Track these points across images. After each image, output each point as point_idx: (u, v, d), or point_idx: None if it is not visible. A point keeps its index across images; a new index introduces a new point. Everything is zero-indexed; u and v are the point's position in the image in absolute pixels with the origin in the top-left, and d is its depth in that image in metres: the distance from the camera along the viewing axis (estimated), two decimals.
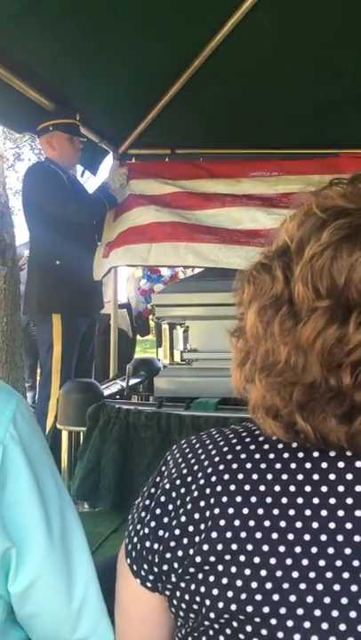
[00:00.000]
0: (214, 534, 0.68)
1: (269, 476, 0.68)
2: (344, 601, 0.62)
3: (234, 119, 3.65)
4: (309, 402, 0.65)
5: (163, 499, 0.73)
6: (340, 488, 0.66)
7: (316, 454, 0.68)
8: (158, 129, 3.80)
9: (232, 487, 0.69)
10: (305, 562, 0.64)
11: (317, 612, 0.63)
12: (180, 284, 3.57)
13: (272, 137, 3.72)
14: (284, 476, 0.68)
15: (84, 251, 3.52)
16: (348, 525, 0.65)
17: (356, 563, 0.63)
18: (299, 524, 0.65)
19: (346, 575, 0.63)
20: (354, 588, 0.63)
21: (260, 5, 3.15)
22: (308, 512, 0.66)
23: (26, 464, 0.83)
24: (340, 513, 0.65)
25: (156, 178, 3.62)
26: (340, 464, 0.67)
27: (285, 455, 0.69)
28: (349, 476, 0.66)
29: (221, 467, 0.71)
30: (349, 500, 0.65)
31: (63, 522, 0.87)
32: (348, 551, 0.64)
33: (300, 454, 0.68)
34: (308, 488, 0.67)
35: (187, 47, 3.35)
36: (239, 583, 0.65)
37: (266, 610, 0.64)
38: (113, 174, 3.62)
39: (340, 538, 0.64)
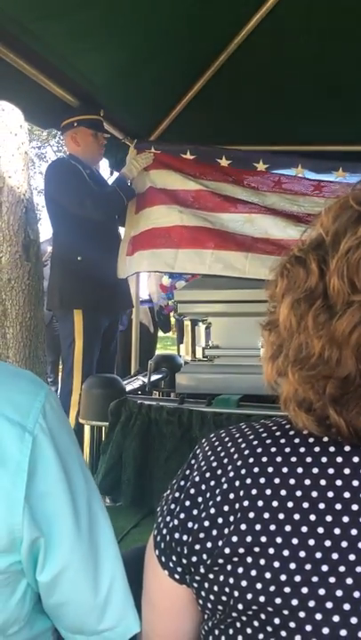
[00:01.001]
0: (243, 526, 0.68)
1: (300, 470, 0.68)
2: None
3: (258, 116, 3.63)
4: (343, 395, 0.65)
5: (192, 491, 0.74)
6: None
7: (347, 448, 0.68)
8: (182, 126, 3.80)
9: (261, 480, 0.69)
10: (335, 556, 0.64)
11: (346, 607, 0.63)
12: (203, 281, 3.55)
13: (298, 133, 3.70)
14: (315, 470, 0.68)
15: (105, 246, 3.50)
16: None
17: None
18: (329, 518, 0.65)
19: None
20: None
21: (285, 0, 3.13)
22: (338, 506, 0.66)
23: (55, 455, 0.83)
24: None
25: (179, 171, 3.57)
26: None
27: (316, 449, 0.69)
28: None
29: (251, 460, 0.71)
30: None
31: (90, 513, 0.87)
32: None
33: (332, 448, 0.68)
34: (339, 482, 0.66)
35: (211, 44, 3.34)
36: (268, 575, 0.66)
37: (294, 602, 0.64)
38: (129, 163, 3.51)
39: None
